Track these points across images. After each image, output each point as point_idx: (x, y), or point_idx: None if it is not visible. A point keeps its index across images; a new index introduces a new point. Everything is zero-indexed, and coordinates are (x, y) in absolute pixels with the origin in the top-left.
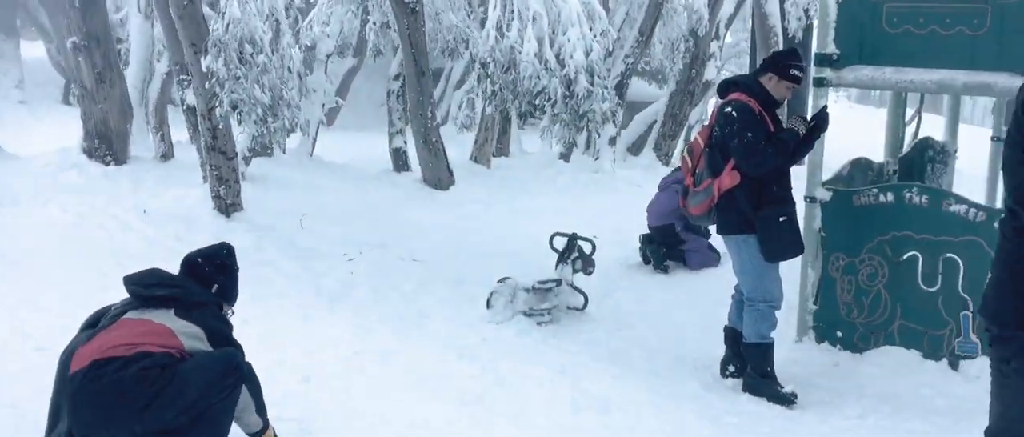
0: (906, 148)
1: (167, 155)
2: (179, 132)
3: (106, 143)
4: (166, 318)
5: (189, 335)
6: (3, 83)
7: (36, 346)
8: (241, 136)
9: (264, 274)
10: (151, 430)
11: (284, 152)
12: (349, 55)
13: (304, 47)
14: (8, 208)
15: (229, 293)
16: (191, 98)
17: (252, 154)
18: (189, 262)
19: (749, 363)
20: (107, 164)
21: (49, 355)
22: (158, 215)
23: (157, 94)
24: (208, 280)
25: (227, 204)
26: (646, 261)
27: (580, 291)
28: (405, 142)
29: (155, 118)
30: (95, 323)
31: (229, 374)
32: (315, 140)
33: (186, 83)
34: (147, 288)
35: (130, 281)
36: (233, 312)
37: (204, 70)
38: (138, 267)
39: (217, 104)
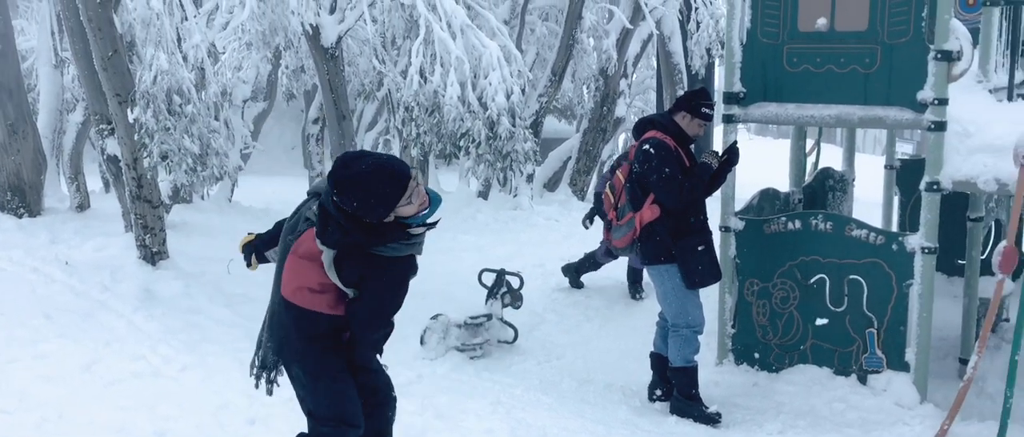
0: (808, 178)
1: (83, 205)
2: (92, 181)
3: (19, 195)
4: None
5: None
6: None
7: None
8: (162, 184)
9: (196, 321)
10: None
11: (203, 199)
12: (260, 99)
13: (219, 94)
14: None
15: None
16: (112, 147)
17: (172, 201)
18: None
19: (676, 386)
20: (20, 217)
21: None
22: (81, 266)
23: (72, 144)
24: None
25: (153, 252)
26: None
27: (510, 325)
28: None
29: (70, 168)
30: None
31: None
32: (235, 186)
33: (107, 132)
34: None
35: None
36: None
37: (131, 121)
38: (66, 320)
39: (145, 155)
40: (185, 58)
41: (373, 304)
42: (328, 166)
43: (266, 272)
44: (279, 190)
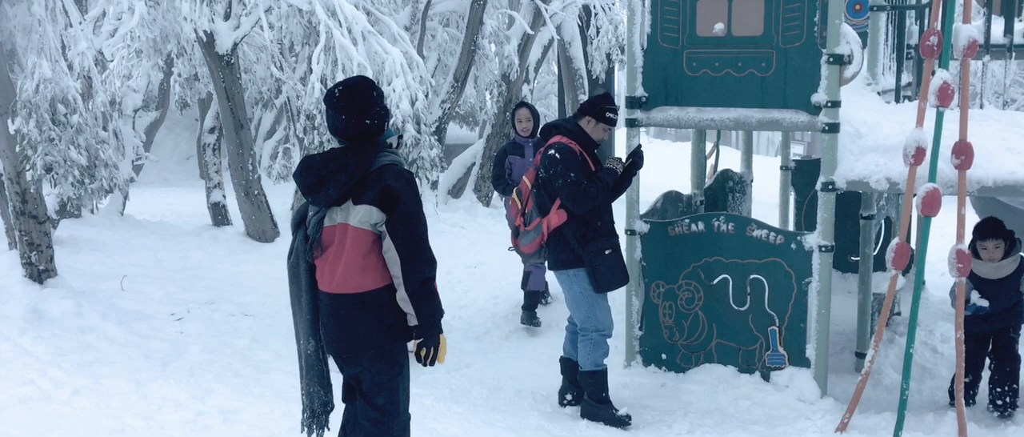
0: (709, 180)
1: None
2: None
3: None
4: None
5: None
6: None
7: None
8: (48, 198)
9: (88, 341)
10: None
11: (92, 213)
12: (152, 108)
13: (107, 103)
14: None
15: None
16: None
17: (59, 216)
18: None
19: (586, 390)
20: None
21: None
22: None
23: None
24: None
25: (40, 270)
26: None
27: None
28: (224, 196)
29: None
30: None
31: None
32: (126, 198)
33: None
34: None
35: None
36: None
37: (12, 133)
38: None
39: (29, 167)
40: (70, 66)
41: (404, 209)
42: (227, 177)
43: (169, 289)
44: (174, 202)
